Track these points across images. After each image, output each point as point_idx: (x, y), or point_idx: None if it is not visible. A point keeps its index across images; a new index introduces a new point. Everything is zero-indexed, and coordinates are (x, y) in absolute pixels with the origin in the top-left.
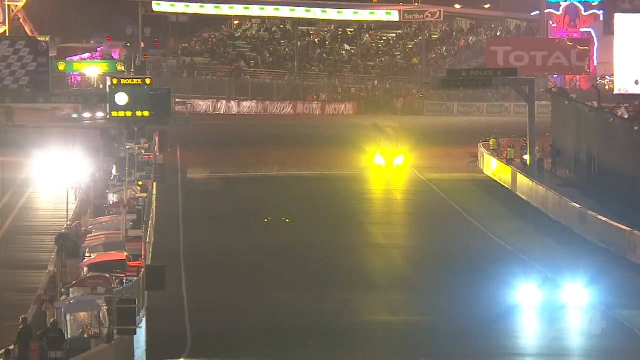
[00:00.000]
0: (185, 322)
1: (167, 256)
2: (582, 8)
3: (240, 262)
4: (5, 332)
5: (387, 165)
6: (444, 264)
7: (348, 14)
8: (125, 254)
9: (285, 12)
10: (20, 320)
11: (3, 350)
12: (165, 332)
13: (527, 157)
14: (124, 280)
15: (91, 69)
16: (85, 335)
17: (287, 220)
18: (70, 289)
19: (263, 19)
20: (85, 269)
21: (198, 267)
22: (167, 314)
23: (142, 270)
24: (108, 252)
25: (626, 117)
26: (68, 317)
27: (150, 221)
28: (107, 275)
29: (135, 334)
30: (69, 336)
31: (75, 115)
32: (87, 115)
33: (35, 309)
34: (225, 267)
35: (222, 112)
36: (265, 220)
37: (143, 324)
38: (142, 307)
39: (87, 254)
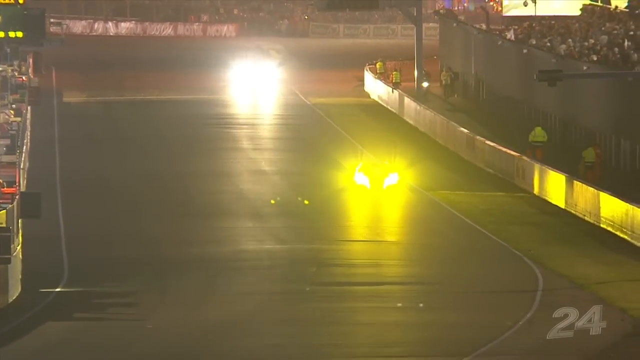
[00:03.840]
0: (62, 251)
1: (42, 183)
2: None
3: (119, 189)
4: None
5: (374, 186)
6: (329, 190)
7: None
8: None
9: None
10: None
11: None
12: (41, 261)
13: (426, 84)
14: None
15: None
16: None
17: (306, 202)
18: None
19: None
20: None
21: (75, 193)
22: (43, 243)
23: (17, 197)
24: None
25: (515, 39)
26: None
27: (24, 146)
28: None
29: (10, 263)
30: None
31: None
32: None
33: None
34: (103, 194)
35: (99, 33)
36: (272, 202)
37: (18, 253)
38: (16, 235)
39: None
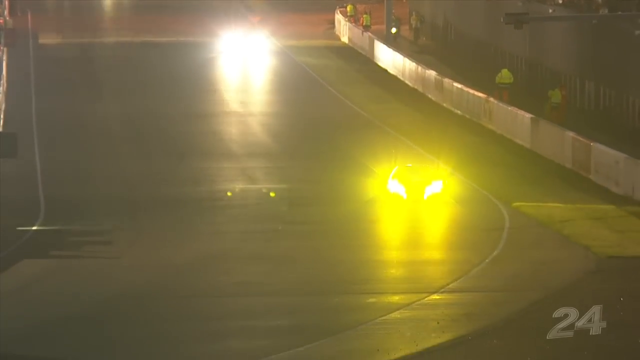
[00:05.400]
0: (39, 190)
1: (18, 123)
2: None
3: (95, 129)
4: None
5: (411, 196)
6: (300, 131)
7: None
8: None
9: None
10: None
11: None
12: (17, 199)
13: (394, 29)
14: None
15: None
16: None
17: (272, 194)
18: None
19: None
20: None
21: (51, 134)
22: (20, 182)
23: None
24: None
25: None
26: None
27: (1, 87)
28: None
29: None
30: None
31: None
32: None
33: None
34: (79, 134)
35: None
36: (229, 194)
37: None
38: None
39: None
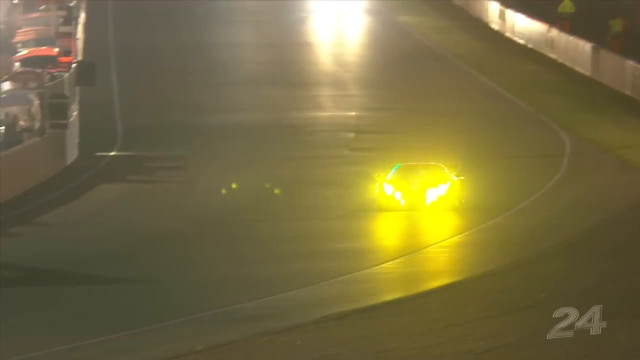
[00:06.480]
0: (116, 117)
1: (97, 52)
2: None
3: (169, 58)
4: None
5: (410, 203)
6: (369, 60)
7: None
8: (56, 49)
9: None
10: None
11: None
12: (96, 126)
13: None
14: (55, 75)
15: None
16: (17, 129)
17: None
18: (2, 83)
19: None
20: (17, 63)
21: (128, 63)
22: (98, 109)
23: (73, 65)
24: (39, 48)
25: None
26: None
27: (80, 19)
28: (39, 71)
29: (67, 128)
30: (1, 129)
31: None
32: None
33: None
34: (154, 64)
35: None
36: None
37: (75, 119)
38: (73, 101)
39: (19, 49)
